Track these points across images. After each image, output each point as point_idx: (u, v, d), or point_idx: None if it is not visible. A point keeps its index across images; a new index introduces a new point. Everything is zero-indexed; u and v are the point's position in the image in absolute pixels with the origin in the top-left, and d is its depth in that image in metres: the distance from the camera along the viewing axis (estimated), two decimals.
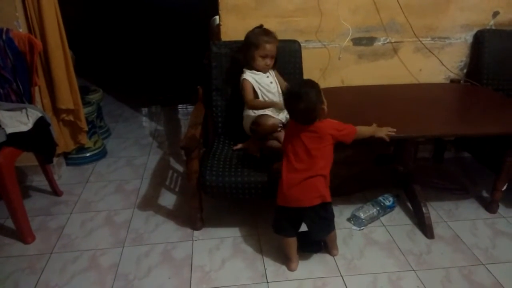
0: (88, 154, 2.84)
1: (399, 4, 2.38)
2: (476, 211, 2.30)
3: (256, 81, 2.10)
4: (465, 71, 2.64)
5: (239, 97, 2.26)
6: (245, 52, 2.11)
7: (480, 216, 2.27)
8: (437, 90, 2.51)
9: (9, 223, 2.11)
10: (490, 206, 2.30)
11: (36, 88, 2.29)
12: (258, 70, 2.11)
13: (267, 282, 1.81)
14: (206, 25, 2.97)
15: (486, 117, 2.11)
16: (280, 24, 2.34)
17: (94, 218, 2.25)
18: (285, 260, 1.91)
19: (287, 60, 2.28)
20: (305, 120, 1.70)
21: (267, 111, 2.06)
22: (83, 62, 3.15)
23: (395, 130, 1.85)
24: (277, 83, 2.16)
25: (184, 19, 4.91)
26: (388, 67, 2.56)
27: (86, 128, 2.70)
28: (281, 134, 2.00)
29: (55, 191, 2.44)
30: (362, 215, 2.16)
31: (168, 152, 3.04)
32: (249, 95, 2.09)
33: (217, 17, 2.44)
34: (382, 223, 2.20)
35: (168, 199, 2.42)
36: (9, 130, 1.92)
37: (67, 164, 2.79)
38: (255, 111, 2.10)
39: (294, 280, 1.83)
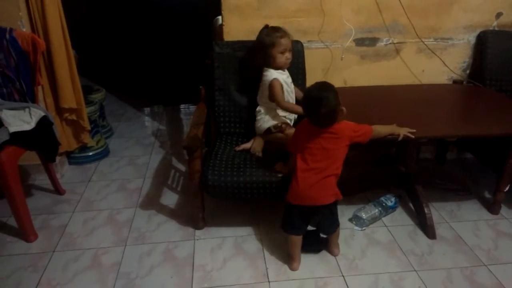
0: (90, 153, 2.85)
1: (401, 5, 2.38)
2: (478, 212, 2.30)
3: (283, 80, 2.10)
4: (468, 72, 2.64)
5: (242, 96, 2.27)
6: (264, 55, 2.08)
7: (482, 217, 2.26)
8: (440, 91, 2.51)
9: (12, 222, 2.12)
10: (492, 207, 2.29)
11: (39, 88, 2.30)
12: (279, 68, 2.10)
13: (269, 282, 1.81)
14: (208, 25, 2.98)
15: (488, 118, 2.11)
16: (282, 25, 2.31)
17: (96, 217, 2.25)
18: (287, 259, 1.92)
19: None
20: (325, 124, 1.71)
21: (288, 120, 2.10)
22: (86, 62, 3.16)
23: (415, 130, 1.86)
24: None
25: (186, 19, 4.92)
26: (391, 68, 2.56)
27: (89, 128, 2.71)
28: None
29: (58, 190, 2.45)
30: (364, 216, 2.16)
31: (170, 151, 3.05)
32: (281, 95, 2.07)
33: (219, 17, 2.44)
34: (384, 224, 2.20)
35: (170, 199, 2.43)
36: (12, 129, 1.92)
37: (70, 163, 2.80)
38: (286, 114, 2.13)
39: (295, 279, 1.83)
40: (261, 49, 2.08)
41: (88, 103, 2.80)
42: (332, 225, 1.90)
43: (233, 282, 1.82)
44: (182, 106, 4.04)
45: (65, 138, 2.63)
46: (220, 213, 2.27)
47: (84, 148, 2.80)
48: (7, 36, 2.08)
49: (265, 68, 2.11)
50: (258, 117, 2.17)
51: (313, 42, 2.44)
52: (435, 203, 2.34)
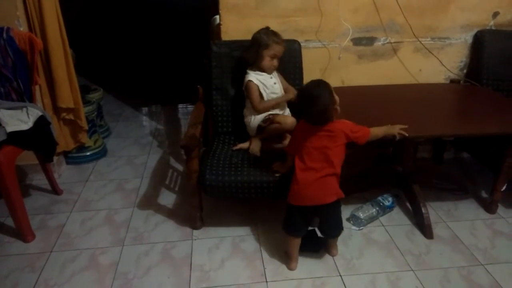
0: (88, 153, 2.84)
1: (398, 4, 2.38)
2: (475, 212, 2.31)
3: (261, 82, 2.11)
4: (465, 71, 2.65)
5: (240, 96, 2.27)
6: (254, 52, 2.10)
7: (479, 216, 2.27)
8: (437, 90, 2.51)
9: (9, 222, 2.12)
10: (489, 207, 2.30)
11: (37, 87, 2.29)
12: (263, 70, 2.12)
13: (266, 282, 1.82)
14: (206, 25, 2.98)
15: (485, 117, 2.12)
16: (280, 24, 2.34)
17: (94, 217, 2.25)
18: (285, 259, 1.92)
19: (287, 60, 2.28)
20: (319, 122, 1.72)
21: (277, 110, 2.08)
22: (83, 61, 3.16)
23: (406, 126, 1.86)
24: (280, 84, 2.17)
25: (184, 18, 4.92)
26: (388, 67, 2.57)
27: (86, 127, 2.71)
28: (288, 137, 2.01)
29: (55, 190, 2.45)
30: (361, 215, 2.17)
31: (168, 151, 3.04)
32: (256, 98, 2.10)
33: (217, 16, 2.44)
34: (381, 223, 2.21)
35: (168, 198, 2.43)
36: (10, 129, 1.92)
37: (67, 163, 2.80)
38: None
39: (293, 279, 1.83)
40: (254, 46, 2.10)
41: (86, 102, 2.80)
42: (337, 228, 1.88)
43: (231, 282, 1.82)
44: (180, 105, 4.04)
45: (63, 137, 2.63)
46: (218, 213, 2.27)
47: (81, 148, 2.80)
48: (4, 35, 2.07)
49: (247, 70, 2.14)
50: (245, 120, 2.20)
51: (310, 41, 2.45)
52: (432, 203, 2.34)
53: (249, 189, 1.94)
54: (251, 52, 2.12)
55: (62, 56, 2.43)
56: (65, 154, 2.77)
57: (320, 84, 1.73)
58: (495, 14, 2.51)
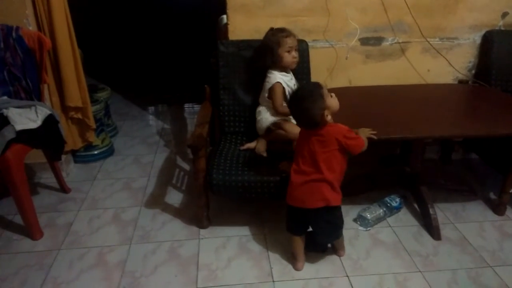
0: (95, 152, 2.86)
1: (407, 4, 2.37)
2: (483, 213, 2.29)
3: (286, 83, 2.10)
4: (473, 72, 2.63)
5: (247, 95, 2.27)
6: (271, 56, 2.08)
7: (487, 218, 2.25)
8: (445, 91, 2.50)
9: (18, 220, 2.13)
10: (497, 208, 2.28)
11: (45, 86, 2.31)
12: (286, 68, 2.11)
13: (273, 281, 1.82)
14: (213, 24, 2.98)
15: (494, 118, 2.10)
16: (287, 24, 2.33)
17: (101, 216, 2.26)
18: (291, 259, 1.92)
19: None
20: (306, 126, 1.73)
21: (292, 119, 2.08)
22: (91, 61, 3.17)
23: (375, 132, 1.82)
24: (295, 80, 2.17)
25: (191, 18, 4.92)
26: (396, 67, 2.56)
27: (94, 126, 2.72)
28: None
29: (63, 188, 2.46)
30: (368, 216, 2.16)
31: (175, 150, 3.05)
32: (280, 100, 2.08)
33: (224, 16, 2.45)
34: (389, 224, 2.20)
35: (174, 197, 2.43)
36: (19, 127, 1.93)
37: (75, 162, 2.81)
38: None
39: (300, 279, 1.83)
40: (267, 50, 2.09)
41: (94, 101, 2.81)
42: (328, 235, 1.86)
43: (237, 281, 1.82)
44: (186, 105, 4.05)
45: (71, 136, 2.64)
46: (225, 212, 2.28)
47: (89, 146, 2.81)
48: (14, 34, 2.09)
49: (270, 70, 2.12)
50: (258, 118, 2.19)
51: (318, 41, 2.44)
52: (440, 204, 2.33)
53: (256, 189, 1.94)
54: (267, 57, 2.10)
55: (70, 55, 2.44)
56: (73, 152, 2.79)
57: (310, 88, 1.72)
58: (504, 15, 2.49)
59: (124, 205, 2.35)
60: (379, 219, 2.19)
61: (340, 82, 2.54)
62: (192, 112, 3.90)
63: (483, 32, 2.53)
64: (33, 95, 2.17)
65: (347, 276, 1.85)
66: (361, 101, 2.33)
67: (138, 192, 2.49)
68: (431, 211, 2.12)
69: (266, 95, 2.14)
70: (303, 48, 2.31)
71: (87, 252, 1.98)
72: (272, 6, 2.33)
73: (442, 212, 2.28)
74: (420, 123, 2.02)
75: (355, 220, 2.21)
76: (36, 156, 2.35)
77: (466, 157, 2.90)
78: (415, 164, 2.33)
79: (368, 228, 2.15)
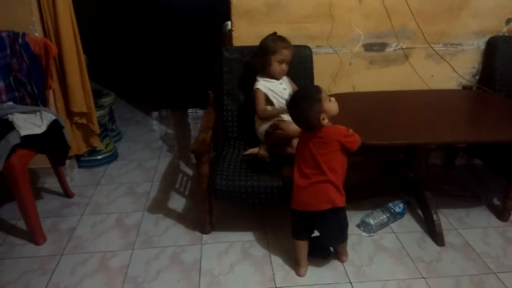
0: (99, 157, 2.87)
1: (410, 10, 2.37)
2: (487, 219, 2.28)
3: (270, 89, 2.12)
4: (477, 77, 2.63)
5: (250, 102, 2.27)
6: (262, 58, 2.12)
7: (491, 224, 2.24)
8: (449, 97, 2.49)
9: (21, 224, 2.14)
10: (501, 214, 2.27)
11: (50, 91, 2.32)
12: (272, 76, 2.13)
13: (276, 287, 1.81)
14: (218, 30, 2.99)
15: (498, 124, 2.09)
16: (291, 30, 2.35)
17: (104, 220, 2.27)
18: (294, 265, 1.91)
19: (298, 65, 2.29)
20: (304, 128, 1.76)
21: (285, 117, 2.07)
22: (96, 66, 3.19)
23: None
24: (291, 89, 2.17)
25: (196, 24, 4.95)
26: (400, 73, 2.56)
27: (99, 131, 2.74)
28: (296, 141, 2.01)
29: (67, 193, 2.47)
30: (371, 222, 2.15)
31: (178, 155, 3.06)
32: (261, 105, 2.11)
33: (229, 22, 2.46)
34: (392, 230, 2.19)
35: (177, 203, 2.44)
36: (24, 133, 1.95)
37: (79, 167, 2.83)
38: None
39: (302, 285, 1.82)
40: (262, 52, 2.12)
41: (98, 107, 2.83)
42: (336, 237, 1.86)
43: (240, 287, 1.81)
44: (190, 110, 4.06)
45: (75, 141, 2.65)
46: (228, 218, 2.28)
47: (93, 151, 2.82)
48: (20, 40, 2.11)
49: (256, 77, 2.15)
50: (256, 126, 2.20)
51: (321, 47, 2.45)
52: (443, 210, 2.32)
53: (259, 194, 1.94)
54: (258, 59, 2.14)
55: (75, 61, 2.46)
56: (77, 157, 2.80)
57: (308, 91, 1.75)
58: (508, 21, 2.49)
59: (127, 210, 2.36)
60: (382, 225, 2.19)
61: (344, 87, 2.54)
62: (195, 117, 3.91)
63: (487, 38, 2.53)
64: (39, 100, 2.18)
65: (350, 282, 1.84)
66: (364, 107, 2.33)
67: (141, 197, 2.49)
68: (434, 217, 2.11)
69: None
70: (306, 54, 2.32)
71: (90, 257, 1.98)
72: (276, 13, 2.35)
73: (446, 218, 2.27)
74: (424, 129, 2.02)
75: (358, 226, 2.21)
76: (40, 161, 2.36)
77: (470, 163, 2.89)
78: (419, 169, 2.32)
79: (372, 234, 2.15)
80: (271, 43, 2.09)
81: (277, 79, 2.15)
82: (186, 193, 2.55)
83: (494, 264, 1.94)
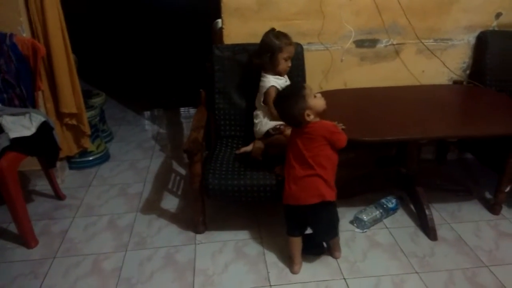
0: (91, 158, 2.85)
1: (400, 6, 2.38)
2: (479, 213, 2.29)
3: (280, 86, 2.10)
4: (468, 72, 2.64)
5: (242, 99, 2.27)
6: (268, 57, 2.08)
7: (483, 217, 2.26)
8: (440, 92, 2.50)
9: (12, 228, 2.12)
10: (493, 208, 2.29)
11: (40, 93, 2.30)
12: (279, 73, 2.12)
13: (270, 286, 1.81)
14: (208, 28, 2.98)
15: (489, 118, 2.10)
16: (282, 27, 2.32)
17: (97, 222, 2.25)
18: (288, 262, 1.91)
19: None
20: (291, 124, 1.81)
21: None
22: (85, 66, 3.16)
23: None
24: None
25: (186, 22, 4.92)
26: (391, 69, 2.56)
27: (89, 132, 2.71)
28: None
29: (58, 195, 2.45)
30: (365, 218, 2.16)
31: (170, 155, 3.04)
32: None
33: (219, 20, 2.44)
34: (385, 226, 2.20)
35: (170, 203, 2.43)
36: (13, 135, 1.92)
37: (70, 168, 2.80)
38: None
39: (297, 283, 1.82)
40: (268, 51, 2.08)
41: (88, 107, 2.81)
42: (327, 232, 1.88)
43: (234, 286, 1.81)
44: (182, 109, 4.04)
45: (66, 143, 2.63)
46: (221, 217, 2.27)
47: (84, 152, 2.80)
48: (7, 41, 2.08)
49: (263, 74, 2.13)
50: (256, 121, 2.18)
51: (313, 44, 2.44)
52: (436, 204, 2.33)
53: (252, 193, 1.94)
54: (265, 58, 2.09)
55: (64, 61, 2.44)
56: (68, 159, 2.78)
57: (292, 89, 1.81)
58: (498, 15, 2.50)
59: (119, 211, 2.34)
60: (375, 221, 2.19)
61: (336, 84, 2.54)
62: (188, 116, 3.90)
63: (477, 32, 2.53)
64: (28, 102, 2.16)
65: (344, 278, 1.84)
66: (356, 103, 2.33)
67: (134, 198, 2.48)
68: (427, 211, 2.12)
69: (261, 98, 2.14)
70: (298, 51, 2.31)
71: (83, 260, 1.97)
72: (267, 10, 2.33)
73: (438, 212, 2.28)
74: (415, 124, 2.03)
75: (351, 222, 2.21)
76: (30, 163, 2.34)
77: (462, 157, 2.91)
78: (411, 165, 2.34)
79: (365, 230, 2.15)
80: (276, 41, 2.05)
81: (283, 76, 2.14)
82: (179, 193, 2.54)
83: (486, 257, 1.96)
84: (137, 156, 3.02)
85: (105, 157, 2.94)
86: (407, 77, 2.59)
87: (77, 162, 2.81)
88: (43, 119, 2.11)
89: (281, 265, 1.92)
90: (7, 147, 1.90)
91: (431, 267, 1.91)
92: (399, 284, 1.81)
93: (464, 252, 2.00)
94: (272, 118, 2.12)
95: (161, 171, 2.80)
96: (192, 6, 4.77)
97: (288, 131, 2.05)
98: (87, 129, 2.68)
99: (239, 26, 2.35)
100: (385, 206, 2.24)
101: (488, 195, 2.44)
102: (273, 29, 2.14)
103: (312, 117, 1.71)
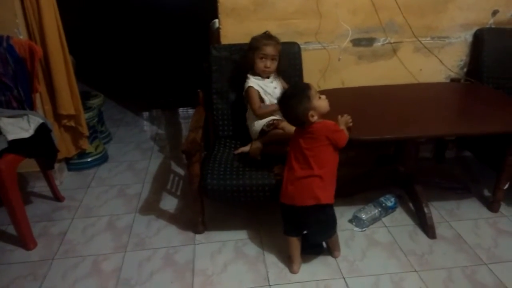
0: (89, 159, 2.84)
1: (397, 4, 2.38)
2: (478, 211, 2.30)
3: (261, 87, 2.12)
4: (465, 70, 2.64)
5: (240, 100, 2.27)
6: (248, 56, 2.13)
7: (482, 215, 2.26)
8: (438, 90, 2.51)
9: (11, 230, 2.11)
10: (492, 205, 2.29)
11: (37, 95, 2.29)
12: (258, 74, 2.13)
13: (270, 285, 1.81)
14: (206, 29, 2.98)
15: (487, 116, 2.10)
16: (279, 27, 2.34)
17: (96, 223, 2.25)
18: (287, 262, 1.91)
19: (287, 62, 2.28)
20: (295, 124, 1.79)
21: (280, 116, 2.07)
22: (83, 67, 3.16)
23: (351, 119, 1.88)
24: (282, 88, 2.17)
25: (184, 22, 4.91)
26: (388, 68, 2.56)
27: (87, 133, 2.71)
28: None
29: (57, 197, 2.45)
30: (363, 216, 2.16)
31: (169, 156, 3.04)
32: (256, 103, 2.10)
33: (216, 20, 2.45)
34: (384, 224, 2.20)
35: (169, 203, 2.42)
36: (11, 137, 1.92)
37: (69, 170, 2.80)
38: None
39: (296, 282, 1.83)
40: (248, 51, 2.13)
41: (86, 108, 2.80)
42: (320, 233, 1.87)
43: (234, 286, 1.81)
44: (180, 109, 4.04)
45: (64, 144, 2.62)
46: (220, 217, 2.27)
47: (82, 154, 2.80)
48: (4, 44, 2.07)
49: (247, 75, 2.15)
50: (248, 122, 2.19)
51: (310, 43, 2.44)
52: (434, 202, 2.34)
53: (251, 193, 1.94)
54: (246, 57, 2.15)
55: (62, 63, 2.43)
56: (67, 160, 2.77)
57: (298, 88, 1.78)
58: (495, 12, 2.50)
59: (118, 212, 2.34)
60: (374, 220, 2.20)
61: (333, 83, 2.54)
62: (186, 116, 3.89)
63: (474, 30, 2.54)
64: (25, 104, 2.15)
65: (344, 277, 1.84)
66: (354, 102, 2.33)
67: (132, 198, 2.47)
68: (425, 210, 2.13)
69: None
70: (295, 51, 2.32)
71: (82, 261, 1.97)
72: (263, 10, 2.33)
73: (437, 210, 2.28)
74: (413, 122, 2.03)
75: (350, 221, 2.21)
76: (29, 165, 2.34)
77: (460, 155, 2.91)
78: (409, 163, 2.34)
79: (364, 229, 2.15)
80: (254, 41, 2.10)
81: (263, 76, 2.14)
82: (178, 193, 2.54)
83: (485, 255, 1.96)
84: (135, 157, 3.02)
85: (103, 158, 2.94)
86: (404, 75, 2.59)
87: (75, 164, 2.81)
88: (41, 121, 2.10)
89: (280, 264, 1.92)
90: (5, 149, 1.90)
91: (430, 265, 1.91)
92: (398, 282, 1.81)
93: (463, 250, 2.00)
94: (257, 119, 2.13)
95: (159, 171, 2.80)
96: (189, 7, 4.77)
97: (283, 123, 2.05)
98: (85, 131, 2.67)
99: (236, 26, 2.35)
100: (383, 204, 2.24)
101: (486, 193, 2.44)
102: (264, 32, 2.15)
103: (316, 118, 1.71)
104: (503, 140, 2.13)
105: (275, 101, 2.12)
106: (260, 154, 2.10)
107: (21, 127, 2.00)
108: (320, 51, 2.47)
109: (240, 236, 2.12)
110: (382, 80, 2.54)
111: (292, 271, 1.88)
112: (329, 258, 1.96)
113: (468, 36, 2.55)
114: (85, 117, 2.68)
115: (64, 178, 2.70)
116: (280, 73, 2.24)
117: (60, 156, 2.55)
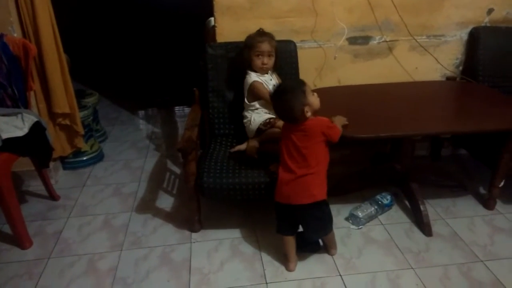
0: (84, 158, 2.83)
1: (393, 2, 2.38)
2: (473, 208, 2.31)
3: (266, 82, 2.11)
4: (460, 68, 2.65)
5: (236, 98, 2.27)
6: (244, 55, 2.14)
7: (478, 212, 2.27)
8: (433, 88, 2.51)
9: (6, 229, 2.10)
10: (487, 203, 2.30)
11: (32, 93, 2.28)
12: (256, 71, 2.13)
13: (266, 283, 1.81)
14: (201, 27, 2.97)
15: (482, 114, 2.11)
16: (275, 25, 2.34)
17: (91, 222, 2.24)
18: (283, 260, 1.91)
19: (283, 60, 2.28)
20: (287, 120, 1.77)
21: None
22: (78, 66, 3.15)
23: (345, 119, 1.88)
24: None
25: (179, 21, 4.90)
26: (384, 66, 2.57)
27: (83, 132, 2.69)
28: None
29: (52, 196, 2.43)
30: (360, 214, 2.16)
31: (165, 154, 3.03)
32: (267, 93, 2.05)
33: (212, 18, 2.44)
34: (380, 222, 2.20)
35: (165, 202, 2.42)
36: (5, 136, 1.90)
37: (64, 168, 2.78)
38: (267, 112, 2.12)
39: (293, 280, 1.83)
40: (244, 49, 2.14)
41: (81, 107, 2.79)
42: (317, 231, 1.87)
43: (230, 284, 1.81)
44: (176, 108, 4.03)
45: (59, 143, 2.61)
46: (216, 215, 2.27)
47: (78, 152, 2.78)
48: None
49: (247, 71, 2.15)
50: (245, 121, 2.19)
51: (306, 41, 2.44)
52: (430, 200, 2.34)
53: (247, 191, 1.94)
54: (243, 56, 2.16)
55: (56, 61, 2.42)
56: (62, 159, 2.76)
57: (287, 85, 1.78)
58: (490, 11, 2.51)
59: (114, 211, 2.33)
60: (370, 217, 2.20)
61: (329, 81, 2.54)
62: (182, 115, 3.89)
63: (469, 28, 2.54)
64: (20, 102, 2.14)
65: (340, 275, 1.85)
66: (350, 100, 2.33)
67: (128, 197, 2.46)
68: (422, 207, 2.13)
69: (246, 96, 2.15)
70: (291, 49, 2.32)
71: (78, 260, 1.96)
72: (259, 8, 2.33)
73: (433, 208, 2.29)
74: (409, 120, 2.03)
75: (346, 219, 2.22)
76: (23, 164, 2.32)
77: (456, 153, 2.92)
78: (405, 161, 2.34)
79: (360, 227, 2.16)
80: (248, 39, 2.12)
81: (261, 73, 2.14)
82: (174, 192, 2.53)
83: (481, 252, 1.97)
84: (131, 156, 3.00)
85: (99, 157, 2.93)
86: (400, 73, 2.59)
87: (71, 162, 2.79)
88: (35, 119, 2.09)
89: (277, 262, 1.92)
90: None
91: (426, 262, 1.91)
92: (394, 280, 1.82)
93: (459, 247, 2.01)
94: (254, 117, 2.12)
95: (155, 170, 2.79)
96: (185, 5, 4.76)
97: (279, 122, 2.05)
98: (81, 129, 2.66)
99: (231, 24, 2.34)
100: (380, 202, 2.24)
101: (482, 190, 2.45)
102: (258, 30, 2.15)
103: (309, 114, 1.71)
104: (498, 138, 2.14)
105: None
106: (256, 152, 2.09)
107: (15, 126, 1.99)
108: (316, 50, 2.47)
109: (237, 234, 2.12)
110: (378, 79, 2.54)
111: (289, 269, 1.88)
112: (326, 256, 1.96)
113: (464, 34, 2.56)
114: (80, 116, 2.67)
115: (60, 177, 2.69)
116: (276, 71, 2.24)
117: (55, 154, 2.53)
